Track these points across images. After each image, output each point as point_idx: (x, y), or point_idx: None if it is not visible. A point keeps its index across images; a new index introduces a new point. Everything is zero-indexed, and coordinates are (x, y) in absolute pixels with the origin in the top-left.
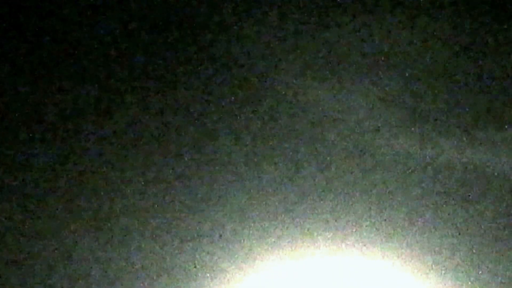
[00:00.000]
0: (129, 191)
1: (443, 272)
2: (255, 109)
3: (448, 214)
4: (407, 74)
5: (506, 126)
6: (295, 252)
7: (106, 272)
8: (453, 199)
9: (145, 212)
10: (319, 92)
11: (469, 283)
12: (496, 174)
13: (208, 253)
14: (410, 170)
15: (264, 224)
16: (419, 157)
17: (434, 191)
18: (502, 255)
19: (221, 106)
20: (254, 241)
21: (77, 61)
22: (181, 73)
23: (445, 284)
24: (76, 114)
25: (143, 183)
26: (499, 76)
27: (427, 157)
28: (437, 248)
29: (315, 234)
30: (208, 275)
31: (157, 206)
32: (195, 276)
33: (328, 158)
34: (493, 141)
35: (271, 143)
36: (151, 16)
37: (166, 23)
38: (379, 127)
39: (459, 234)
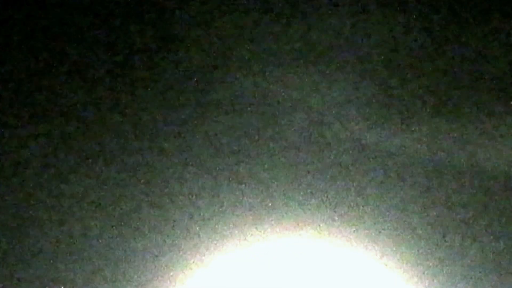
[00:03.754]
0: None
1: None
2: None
3: (413, 201)
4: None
5: (464, 116)
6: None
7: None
8: (413, 186)
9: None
10: (285, 79)
11: (426, 258)
12: (459, 164)
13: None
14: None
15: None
16: (383, 147)
17: (395, 178)
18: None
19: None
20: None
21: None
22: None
23: (411, 263)
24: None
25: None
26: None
27: (392, 147)
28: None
29: (284, 219)
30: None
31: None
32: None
33: (295, 146)
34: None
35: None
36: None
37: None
38: (348, 118)
39: (422, 214)
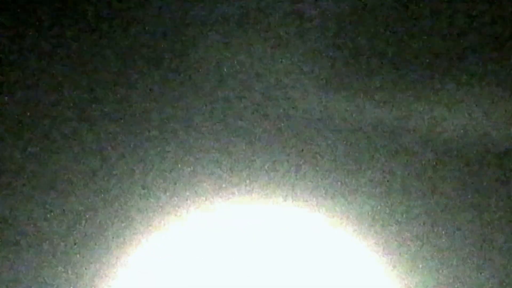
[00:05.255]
0: None
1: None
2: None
3: (381, 173)
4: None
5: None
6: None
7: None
8: (375, 155)
9: None
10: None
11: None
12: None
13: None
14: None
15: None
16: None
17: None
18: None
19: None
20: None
21: None
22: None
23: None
24: None
25: None
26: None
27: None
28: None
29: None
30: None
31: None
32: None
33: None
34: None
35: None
36: None
37: None
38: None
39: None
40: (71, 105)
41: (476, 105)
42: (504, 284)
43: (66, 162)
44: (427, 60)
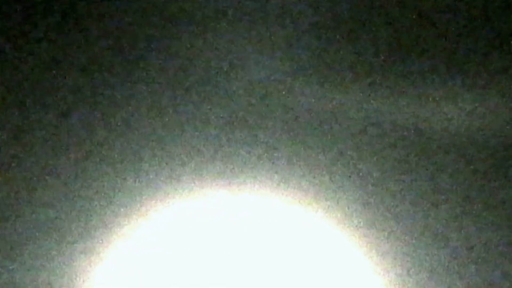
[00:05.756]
0: None
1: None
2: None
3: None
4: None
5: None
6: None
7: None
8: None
9: None
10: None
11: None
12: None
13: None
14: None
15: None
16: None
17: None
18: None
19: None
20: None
21: None
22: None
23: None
24: None
25: None
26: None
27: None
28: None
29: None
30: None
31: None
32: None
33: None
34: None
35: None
36: None
37: None
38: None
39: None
40: (58, 100)
41: (466, 102)
42: (490, 280)
43: (46, 158)
44: (426, 58)
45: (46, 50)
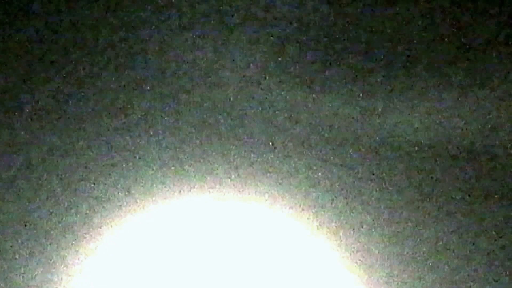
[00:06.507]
0: None
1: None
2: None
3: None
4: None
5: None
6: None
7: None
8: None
9: None
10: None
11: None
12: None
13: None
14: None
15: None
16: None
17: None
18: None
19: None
20: None
21: None
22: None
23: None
24: None
25: None
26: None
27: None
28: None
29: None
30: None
31: None
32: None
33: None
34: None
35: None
36: None
37: None
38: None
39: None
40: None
41: (439, 107)
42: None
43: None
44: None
45: (40, 50)
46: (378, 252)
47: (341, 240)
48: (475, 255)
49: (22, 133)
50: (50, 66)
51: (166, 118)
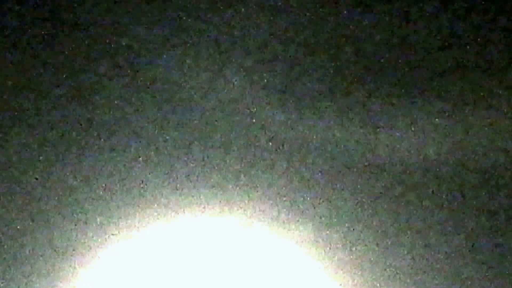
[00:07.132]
0: None
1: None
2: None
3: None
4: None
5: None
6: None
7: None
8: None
9: None
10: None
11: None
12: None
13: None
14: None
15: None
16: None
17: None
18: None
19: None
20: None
21: None
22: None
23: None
24: None
25: None
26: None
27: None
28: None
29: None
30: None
31: None
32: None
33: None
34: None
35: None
36: None
37: None
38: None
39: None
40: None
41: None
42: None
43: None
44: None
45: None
46: (366, 266)
47: (326, 254)
48: (464, 270)
49: (23, 134)
50: (52, 71)
51: (154, 138)
